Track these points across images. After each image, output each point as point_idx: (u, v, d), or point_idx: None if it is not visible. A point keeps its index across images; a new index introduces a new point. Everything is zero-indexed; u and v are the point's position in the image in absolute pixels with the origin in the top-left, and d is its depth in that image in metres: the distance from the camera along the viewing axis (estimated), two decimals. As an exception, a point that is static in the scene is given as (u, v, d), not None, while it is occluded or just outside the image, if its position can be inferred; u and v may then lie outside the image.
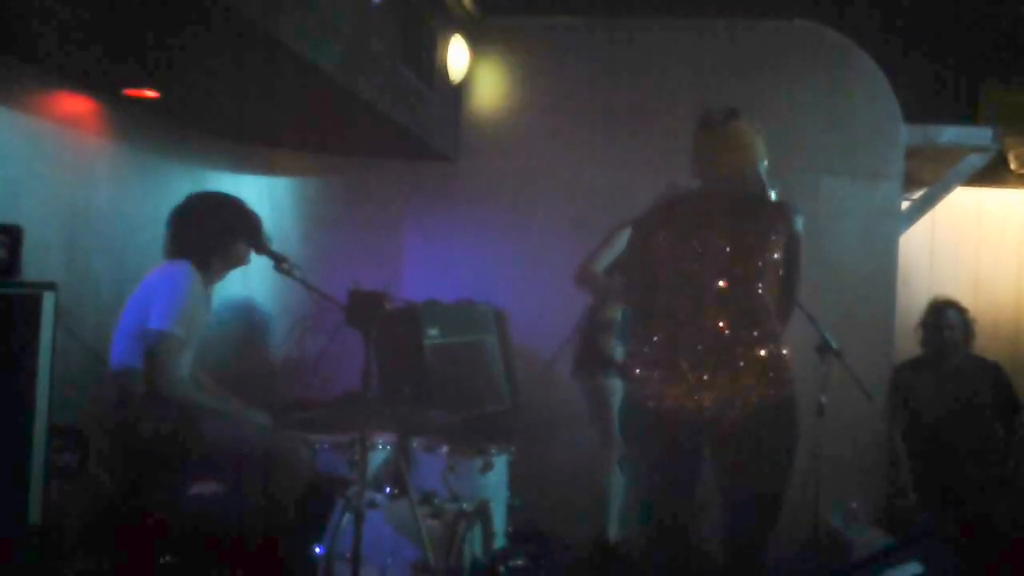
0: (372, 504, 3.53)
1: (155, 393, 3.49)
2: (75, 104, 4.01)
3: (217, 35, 3.19)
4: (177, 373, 3.54)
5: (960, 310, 5.01)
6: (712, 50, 5.42)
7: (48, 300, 2.77)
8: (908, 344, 5.21)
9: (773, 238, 3.03)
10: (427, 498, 3.73)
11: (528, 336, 5.27)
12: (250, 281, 5.03)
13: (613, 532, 4.57)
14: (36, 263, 2.88)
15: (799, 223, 3.11)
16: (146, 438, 3.49)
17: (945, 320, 4.98)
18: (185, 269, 3.65)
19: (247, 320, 5.33)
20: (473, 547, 3.68)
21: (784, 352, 3.02)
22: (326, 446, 3.99)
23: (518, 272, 5.43)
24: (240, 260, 3.84)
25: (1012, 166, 5.68)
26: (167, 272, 3.67)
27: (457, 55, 5.32)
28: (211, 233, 3.74)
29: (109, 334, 3.67)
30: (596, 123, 5.50)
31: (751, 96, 5.34)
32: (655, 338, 3.02)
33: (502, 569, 3.80)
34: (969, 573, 4.07)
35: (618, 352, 4.50)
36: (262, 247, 3.81)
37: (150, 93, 4.00)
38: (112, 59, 3.56)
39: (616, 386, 4.38)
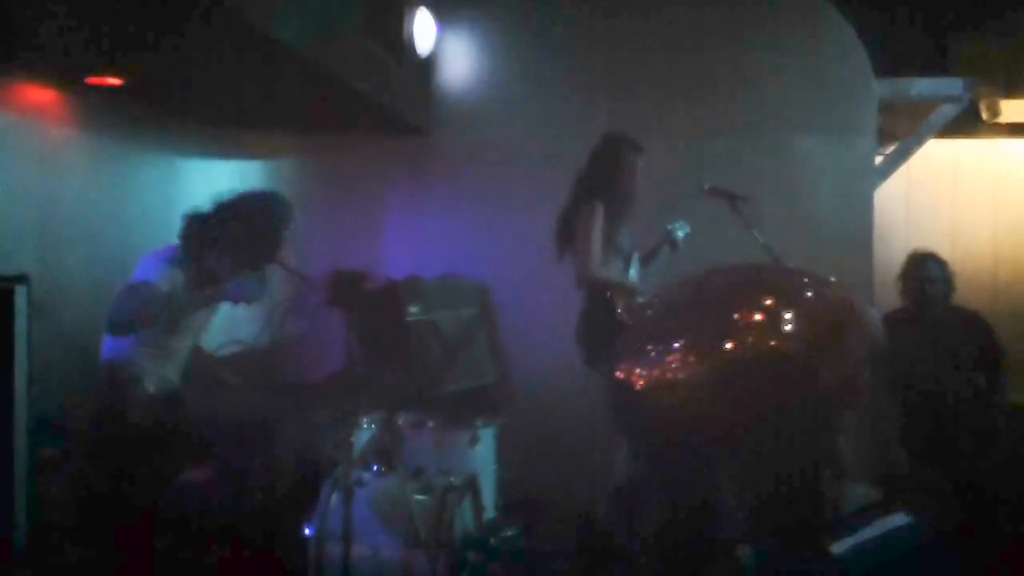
0: (360, 482, 3.53)
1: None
2: (38, 95, 3.95)
3: (178, 15, 3.14)
4: (148, 312, 3.49)
5: (940, 262, 5.02)
6: (682, 13, 5.39)
7: (20, 293, 2.73)
8: (887, 299, 5.23)
9: None
10: (416, 474, 3.73)
11: (512, 309, 5.26)
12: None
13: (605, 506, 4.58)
14: (6, 256, 2.84)
15: None
16: (133, 429, 3.48)
17: (925, 272, 4.99)
18: (162, 256, 3.63)
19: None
20: (464, 521, 3.69)
21: None
22: (311, 427, 3.97)
23: (499, 245, 5.41)
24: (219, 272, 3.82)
25: (984, 116, 5.69)
26: (146, 257, 3.66)
27: (424, 27, 5.27)
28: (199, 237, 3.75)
29: (86, 325, 3.63)
30: (571, 92, 5.47)
31: (722, 57, 5.36)
32: None
33: (493, 541, 3.81)
34: (955, 524, 4.13)
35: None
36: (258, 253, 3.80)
37: (113, 80, 3.94)
38: (72, 47, 3.50)
39: None
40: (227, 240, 3.73)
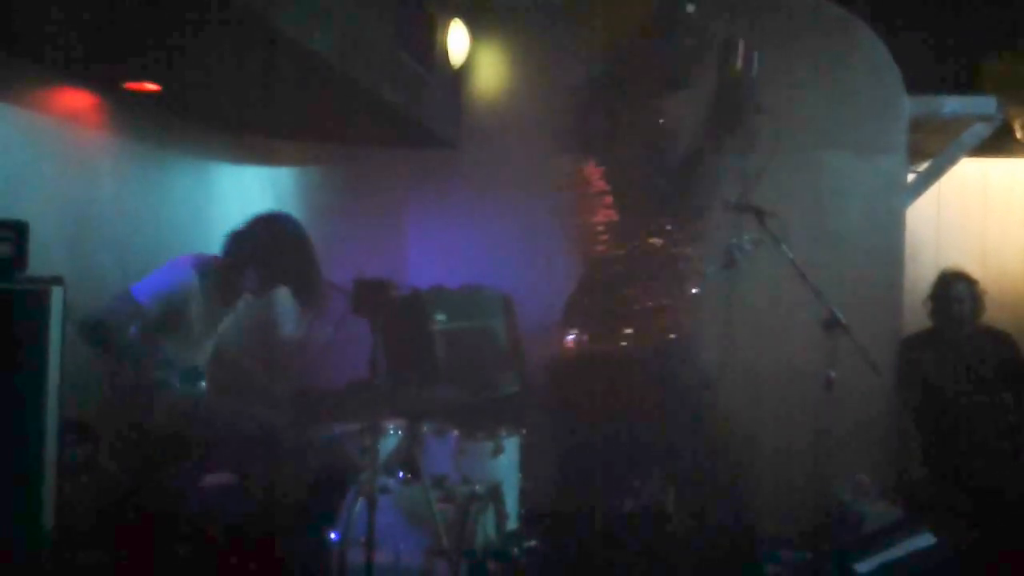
0: (384, 489, 3.55)
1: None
2: (76, 99, 4.00)
3: (215, 25, 3.18)
4: (121, 330, 3.53)
5: (970, 282, 4.98)
6: (714, 28, 5.37)
7: (56, 295, 2.78)
8: (916, 318, 5.19)
9: None
10: (439, 482, 3.74)
11: (535, 319, 5.27)
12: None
13: (629, 506, 4.58)
14: (40, 259, 2.88)
15: None
16: (158, 430, 3.51)
17: (954, 292, 4.96)
18: (185, 267, 3.69)
19: (254, 311, 5.34)
20: (486, 530, 3.69)
21: None
22: (337, 433, 4.00)
23: (523, 257, 5.42)
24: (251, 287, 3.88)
25: (1017, 135, 5.63)
26: (174, 261, 3.71)
27: (457, 40, 5.29)
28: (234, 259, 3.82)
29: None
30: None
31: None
32: None
33: (515, 551, 3.81)
34: (980, 544, 4.08)
35: None
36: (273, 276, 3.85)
37: (151, 86, 4.00)
38: (112, 53, 3.56)
39: None
40: (264, 260, 3.80)
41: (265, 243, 3.81)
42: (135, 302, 3.56)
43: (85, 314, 3.42)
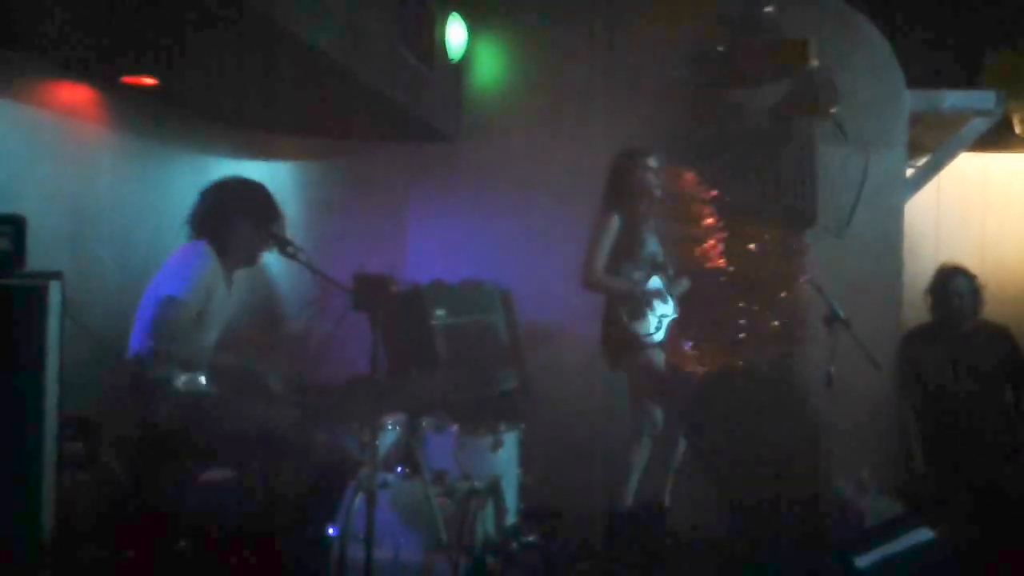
0: (384, 485, 3.54)
1: (167, 361, 3.49)
2: (74, 93, 3.99)
3: (214, 19, 3.17)
4: (186, 337, 3.53)
5: (970, 277, 4.98)
6: (713, 21, 5.36)
7: (54, 289, 2.77)
8: (916, 312, 5.19)
9: None
10: (438, 477, 3.74)
11: (534, 314, 5.27)
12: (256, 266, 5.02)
13: (627, 504, 4.59)
14: (39, 254, 2.87)
15: None
16: (159, 425, 3.50)
17: (954, 287, 4.95)
18: (200, 247, 3.67)
19: (254, 305, 5.33)
20: (485, 525, 3.69)
21: None
22: (337, 429, 3.99)
23: (523, 251, 5.42)
24: (249, 241, 3.82)
25: (1017, 130, 5.63)
26: (182, 251, 3.71)
27: (455, 34, 5.29)
28: (218, 213, 3.75)
29: (116, 323, 3.67)
30: (598, 100, 5.47)
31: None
32: None
33: (514, 546, 3.81)
34: (980, 540, 4.09)
35: (645, 326, 4.51)
36: (264, 228, 3.79)
37: (148, 81, 3.98)
38: (110, 47, 3.55)
39: (654, 356, 4.48)
40: (246, 208, 3.77)
41: (231, 187, 3.80)
42: (178, 300, 3.52)
43: (163, 345, 3.44)
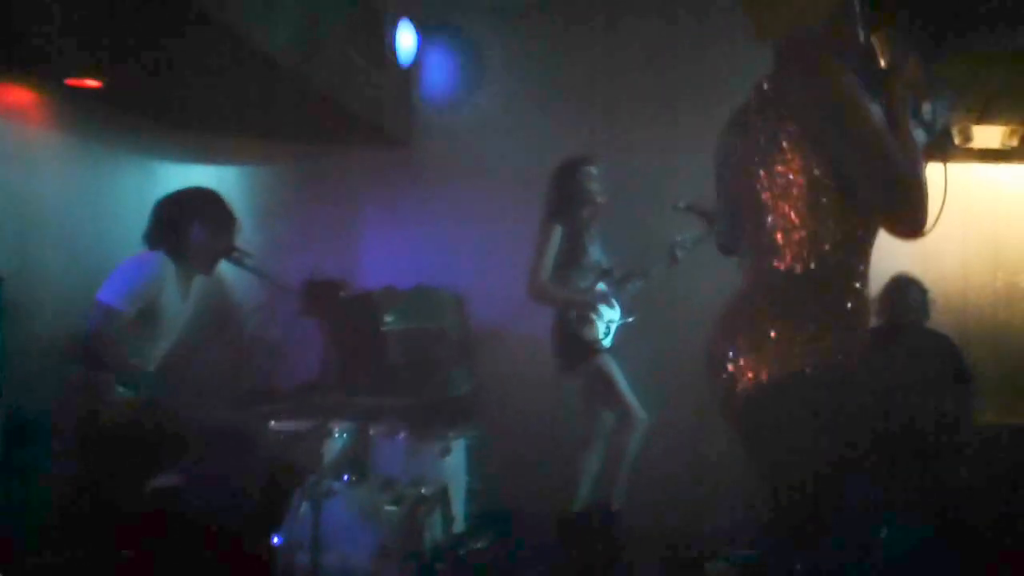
0: (330, 492, 3.53)
1: (101, 368, 3.45)
2: (16, 95, 3.93)
3: (161, 20, 3.15)
4: (117, 347, 3.49)
5: (923, 290, 5.05)
6: (670, 26, 5.36)
7: (-5, 294, 2.73)
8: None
9: None
10: (387, 484, 3.74)
11: (488, 319, 5.28)
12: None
13: (580, 506, 4.61)
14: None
15: None
16: (109, 430, 3.46)
17: (907, 298, 5.02)
18: (148, 257, 3.64)
19: (203, 311, 5.28)
20: (433, 532, 3.70)
21: None
22: (284, 435, 3.97)
23: (477, 256, 5.41)
24: (206, 249, 3.79)
25: (956, 141, 5.75)
26: (128, 260, 3.68)
27: (406, 39, 5.29)
28: (174, 222, 3.72)
29: (63, 327, 3.62)
30: (553, 104, 5.49)
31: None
32: None
33: (462, 552, 3.82)
34: (926, 541, 4.17)
35: (593, 332, 4.54)
36: (221, 235, 3.77)
37: (92, 83, 3.93)
38: (52, 48, 3.49)
39: (604, 362, 4.53)
40: (203, 215, 3.75)
41: (186, 196, 3.79)
42: (113, 310, 3.49)
43: (71, 338, 3.38)
